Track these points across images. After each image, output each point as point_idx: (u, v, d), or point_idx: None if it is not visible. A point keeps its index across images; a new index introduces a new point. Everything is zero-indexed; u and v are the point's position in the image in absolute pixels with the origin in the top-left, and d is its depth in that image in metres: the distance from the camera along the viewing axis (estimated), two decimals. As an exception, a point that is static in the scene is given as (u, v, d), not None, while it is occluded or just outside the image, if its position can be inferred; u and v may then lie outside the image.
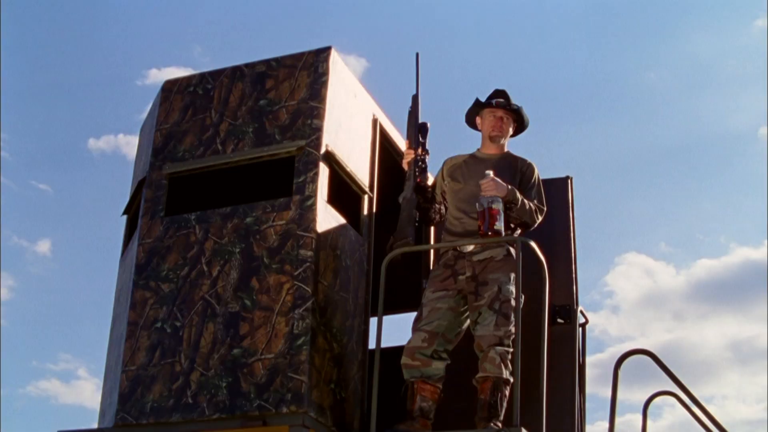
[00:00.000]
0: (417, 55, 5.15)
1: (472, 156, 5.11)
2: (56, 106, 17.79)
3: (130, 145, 17.95)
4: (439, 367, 4.70)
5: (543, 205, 4.96)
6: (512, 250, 4.77)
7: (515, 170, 4.98)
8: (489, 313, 4.64)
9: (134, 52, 17.91)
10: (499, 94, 5.08)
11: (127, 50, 17.82)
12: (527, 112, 5.11)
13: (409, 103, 5.15)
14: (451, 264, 4.87)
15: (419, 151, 5.05)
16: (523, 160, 5.05)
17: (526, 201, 4.85)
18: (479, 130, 5.14)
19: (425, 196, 5.08)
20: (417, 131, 5.07)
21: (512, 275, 4.71)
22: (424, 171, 5.08)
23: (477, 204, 4.70)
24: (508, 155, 5.08)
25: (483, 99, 5.09)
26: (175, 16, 17.43)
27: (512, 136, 5.15)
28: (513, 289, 4.67)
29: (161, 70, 17.64)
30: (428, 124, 5.09)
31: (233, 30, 17.46)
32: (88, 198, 17.97)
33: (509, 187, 4.77)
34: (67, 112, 17.91)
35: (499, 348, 4.57)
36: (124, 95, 18.00)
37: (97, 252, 17.66)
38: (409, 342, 4.74)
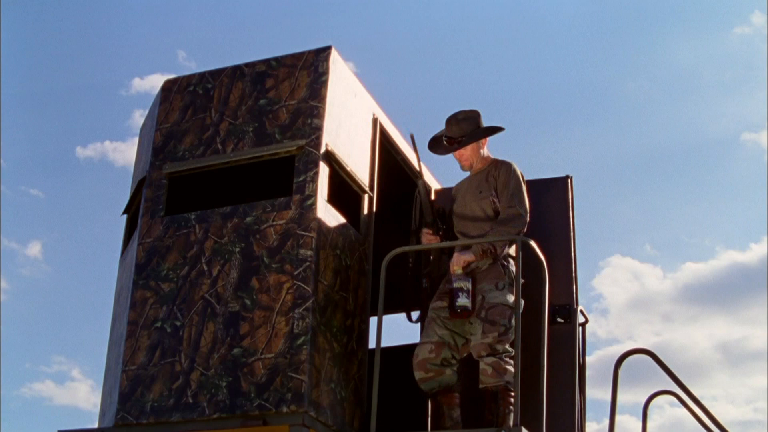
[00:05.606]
0: (412, 136, 5.06)
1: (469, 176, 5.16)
2: (45, 116, 18.03)
3: (116, 151, 18.28)
4: (452, 374, 4.80)
5: (520, 206, 4.84)
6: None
7: (490, 179, 4.98)
8: (477, 322, 4.72)
9: (118, 61, 18.13)
10: (447, 126, 5.07)
11: (111, 60, 18.03)
12: (501, 118, 5.19)
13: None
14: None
15: (440, 234, 5.01)
16: (500, 165, 5.02)
17: (497, 229, 4.79)
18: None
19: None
20: (433, 212, 5.05)
21: (498, 282, 4.74)
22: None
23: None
24: (491, 166, 5.06)
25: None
26: (156, 22, 17.52)
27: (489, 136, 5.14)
28: (502, 295, 4.71)
29: (144, 79, 17.79)
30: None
31: (216, 33, 17.52)
32: (78, 202, 18.18)
33: (473, 246, 4.74)
34: (56, 121, 18.18)
35: (488, 358, 4.62)
36: (108, 105, 18.32)
37: (87, 253, 17.80)
38: (417, 356, 4.78)
